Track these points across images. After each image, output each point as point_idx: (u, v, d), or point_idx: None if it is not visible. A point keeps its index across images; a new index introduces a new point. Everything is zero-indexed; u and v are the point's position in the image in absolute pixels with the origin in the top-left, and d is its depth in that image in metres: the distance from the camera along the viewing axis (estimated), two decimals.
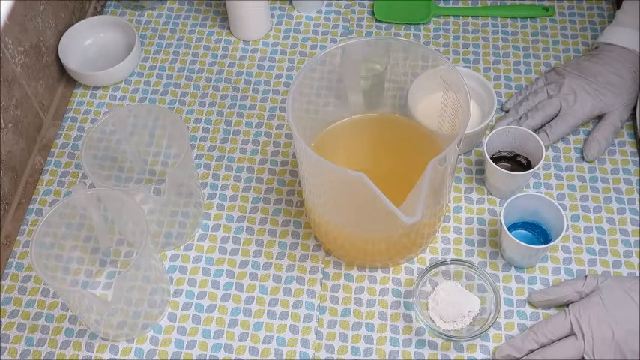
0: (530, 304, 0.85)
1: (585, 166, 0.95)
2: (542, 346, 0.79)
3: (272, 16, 1.12)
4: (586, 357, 0.77)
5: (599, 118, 0.96)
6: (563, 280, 0.86)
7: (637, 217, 0.91)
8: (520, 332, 0.83)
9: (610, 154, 0.96)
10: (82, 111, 1.04)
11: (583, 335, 0.78)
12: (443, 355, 0.82)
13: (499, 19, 1.10)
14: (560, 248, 0.89)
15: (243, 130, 1.01)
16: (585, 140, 0.96)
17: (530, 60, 1.06)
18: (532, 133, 0.90)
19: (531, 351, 0.80)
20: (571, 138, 0.98)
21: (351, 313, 0.86)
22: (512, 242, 0.83)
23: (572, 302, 0.81)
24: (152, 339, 0.85)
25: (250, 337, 0.85)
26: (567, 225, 0.90)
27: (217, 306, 0.87)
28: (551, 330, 0.79)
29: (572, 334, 0.79)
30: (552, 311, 0.84)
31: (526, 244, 0.83)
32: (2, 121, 0.90)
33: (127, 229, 0.87)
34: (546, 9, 1.10)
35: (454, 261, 0.84)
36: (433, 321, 0.82)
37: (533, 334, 0.80)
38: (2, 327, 0.86)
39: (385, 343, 0.84)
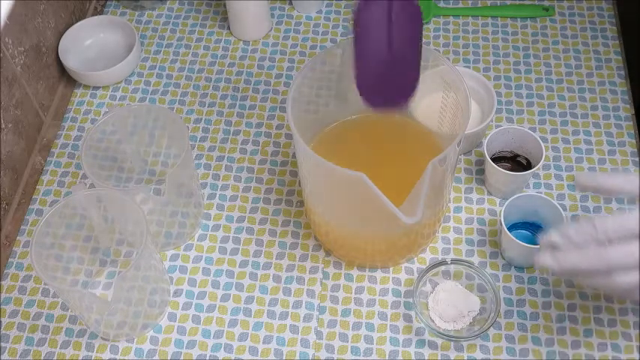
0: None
1: (585, 166, 0.95)
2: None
3: (272, 16, 1.12)
4: None
5: None
6: (563, 280, 0.86)
7: None
8: (520, 332, 0.83)
9: (610, 154, 0.96)
10: (82, 111, 1.04)
11: None
12: (443, 355, 0.82)
13: (499, 19, 1.10)
14: None
15: (243, 130, 1.01)
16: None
17: (530, 60, 1.06)
18: (532, 133, 0.90)
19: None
20: (571, 138, 0.98)
21: (351, 313, 0.86)
22: (513, 242, 0.83)
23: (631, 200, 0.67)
24: (152, 339, 0.85)
25: (250, 337, 0.85)
26: None
27: (217, 306, 0.87)
28: (616, 228, 0.63)
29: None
30: (553, 310, 0.84)
31: (526, 244, 0.83)
32: (2, 121, 0.90)
33: (127, 229, 0.87)
34: (546, 9, 1.10)
35: (454, 261, 0.84)
36: (433, 321, 0.82)
37: (592, 228, 0.64)
38: (2, 327, 0.86)
39: (385, 343, 0.84)
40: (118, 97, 1.05)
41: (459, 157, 0.96)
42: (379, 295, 0.87)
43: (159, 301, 0.85)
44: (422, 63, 0.84)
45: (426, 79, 0.86)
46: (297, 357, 0.83)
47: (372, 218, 0.79)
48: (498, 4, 1.12)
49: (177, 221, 0.89)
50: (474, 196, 0.94)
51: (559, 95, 1.02)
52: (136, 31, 1.06)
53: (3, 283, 0.89)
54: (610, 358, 0.82)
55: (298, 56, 1.08)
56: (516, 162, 0.93)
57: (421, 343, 0.83)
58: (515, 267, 0.88)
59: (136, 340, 0.85)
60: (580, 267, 0.64)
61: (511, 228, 0.87)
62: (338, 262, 0.89)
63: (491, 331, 0.83)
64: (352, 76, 0.71)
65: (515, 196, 0.85)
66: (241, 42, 1.10)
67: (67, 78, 1.07)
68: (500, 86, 1.03)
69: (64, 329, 0.86)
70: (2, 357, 0.84)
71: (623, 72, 1.04)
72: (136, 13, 1.14)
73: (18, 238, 0.93)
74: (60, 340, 0.85)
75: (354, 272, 0.89)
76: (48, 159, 0.99)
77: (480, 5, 1.12)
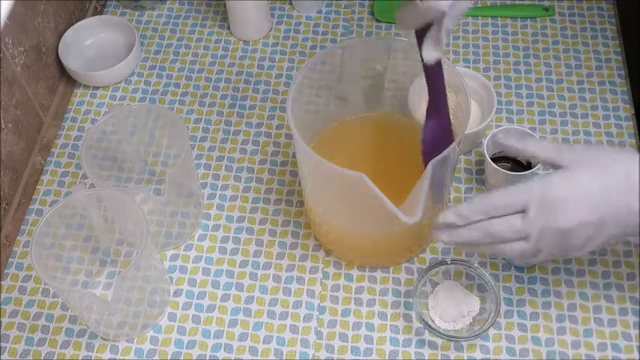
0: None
1: None
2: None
3: (272, 16, 1.12)
4: (529, 242, 0.68)
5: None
6: (563, 280, 0.87)
7: None
8: (520, 332, 0.83)
9: None
10: (82, 111, 1.04)
11: (534, 217, 0.67)
12: (443, 355, 0.82)
13: (499, 19, 1.10)
14: None
15: (243, 130, 1.01)
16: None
17: (530, 60, 1.06)
18: (532, 133, 0.90)
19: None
20: (571, 138, 0.98)
21: (351, 313, 0.86)
22: None
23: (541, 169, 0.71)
24: (152, 339, 0.85)
25: (250, 337, 0.85)
26: None
27: (217, 306, 0.87)
28: (504, 202, 0.67)
29: (523, 211, 0.67)
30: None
31: None
32: (2, 121, 0.90)
33: (127, 229, 0.87)
34: (546, 9, 1.10)
35: (454, 261, 0.84)
36: (433, 321, 0.82)
37: (483, 204, 0.68)
38: (2, 327, 0.86)
39: (385, 343, 0.84)
40: (118, 97, 1.05)
41: (459, 157, 0.95)
42: (379, 295, 0.87)
43: (159, 301, 0.85)
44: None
45: None
46: (297, 357, 0.83)
47: (372, 218, 0.79)
48: (498, 4, 1.12)
49: (177, 221, 0.89)
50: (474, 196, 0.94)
51: (559, 95, 1.02)
52: (136, 31, 1.06)
53: (3, 283, 0.89)
54: (610, 358, 0.82)
55: (298, 56, 1.08)
56: (516, 162, 0.93)
57: (421, 343, 0.83)
58: (515, 267, 0.88)
59: (136, 340, 0.85)
60: (471, 240, 0.69)
61: None
62: (338, 262, 0.89)
63: (491, 331, 0.83)
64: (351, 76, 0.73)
65: None
66: (241, 42, 1.10)
67: (67, 78, 1.07)
68: (500, 86, 1.03)
69: (64, 329, 0.86)
70: (2, 357, 0.84)
71: (623, 72, 1.04)
72: (136, 13, 1.14)
73: (18, 238, 0.93)
74: (60, 340, 0.85)
75: (354, 272, 0.89)
76: (48, 159, 0.99)
77: (480, 5, 1.12)
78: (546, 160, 0.71)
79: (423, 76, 0.74)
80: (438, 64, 0.72)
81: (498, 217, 0.68)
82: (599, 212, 0.66)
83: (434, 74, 0.73)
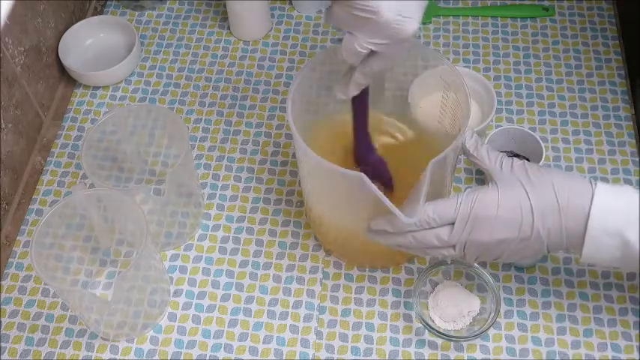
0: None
1: (585, 165, 0.95)
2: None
3: (272, 16, 1.12)
4: (455, 250, 0.73)
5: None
6: (563, 280, 0.87)
7: None
8: (520, 332, 0.83)
9: (610, 154, 0.96)
10: (82, 111, 1.04)
11: (459, 231, 0.71)
12: (443, 355, 0.82)
13: (499, 19, 1.10)
14: None
15: (243, 130, 1.01)
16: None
17: (530, 60, 1.06)
18: (532, 133, 0.90)
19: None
20: (571, 138, 0.98)
21: (351, 313, 0.86)
22: None
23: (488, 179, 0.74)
24: (152, 339, 0.85)
25: (250, 337, 0.85)
26: None
27: (217, 306, 0.87)
28: (438, 213, 0.71)
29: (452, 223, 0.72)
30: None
31: None
32: (2, 121, 0.90)
33: (127, 229, 0.87)
34: (546, 9, 1.10)
35: (454, 261, 0.84)
36: (433, 321, 0.82)
37: (416, 219, 0.71)
38: (2, 327, 0.86)
39: (385, 343, 0.84)
40: (118, 97, 1.05)
41: (459, 157, 0.95)
42: (379, 295, 0.87)
43: (159, 301, 0.85)
44: (422, 63, 0.85)
45: (426, 79, 0.87)
46: (297, 357, 0.83)
47: (372, 218, 0.79)
48: (498, 4, 1.12)
49: (177, 221, 0.89)
50: None
51: (559, 95, 1.02)
52: (136, 31, 1.06)
53: (3, 283, 0.89)
54: (610, 358, 0.82)
55: (298, 56, 1.08)
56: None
57: (421, 343, 0.83)
58: (515, 267, 0.88)
59: (136, 340, 0.85)
60: (404, 246, 0.74)
61: None
62: (338, 262, 0.89)
63: (491, 331, 0.83)
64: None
65: None
66: (241, 42, 1.10)
67: (67, 78, 1.07)
68: (500, 86, 1.03)
69: (64, 329, 0.86)
70: (2, 357, 0.84)
71: (623, 72, 1.04)
72: (136, 13, 1.14)
73: (18, 238, 0.93)
74: (60, 340, 0.85)
75: (354, 272, 0.89)
76: (48, 159, 0.99)
77: (479, 5, 1.12)
78: (488, 172, 0.74)
79: (422, 76, 0.74)
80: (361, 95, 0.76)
81: (435, 225, 0.72)
82: (522, 232, 0.70)
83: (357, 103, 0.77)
